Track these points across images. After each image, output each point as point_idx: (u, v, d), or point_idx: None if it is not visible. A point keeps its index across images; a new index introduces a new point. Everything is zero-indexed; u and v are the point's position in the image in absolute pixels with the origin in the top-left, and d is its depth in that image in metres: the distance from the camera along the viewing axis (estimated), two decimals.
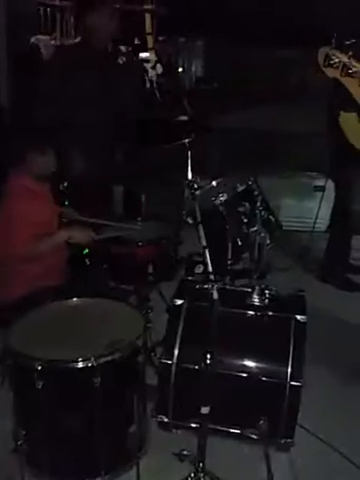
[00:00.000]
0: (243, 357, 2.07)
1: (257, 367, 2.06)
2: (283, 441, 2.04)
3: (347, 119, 3.32)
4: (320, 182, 4.60)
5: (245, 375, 2.04)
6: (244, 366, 2.06)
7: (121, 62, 2.85)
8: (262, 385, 2.04)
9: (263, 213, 2.60)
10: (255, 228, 2.51)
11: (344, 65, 1.14)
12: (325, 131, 3.53)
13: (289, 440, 2.04)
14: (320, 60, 1.16)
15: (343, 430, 2.36)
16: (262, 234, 2.50)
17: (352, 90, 1.14)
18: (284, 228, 2.91)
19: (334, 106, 3.35)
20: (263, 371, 2.05)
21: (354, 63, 1.12)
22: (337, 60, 1.14)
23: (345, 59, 1.14)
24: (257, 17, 10.50)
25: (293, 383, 2.01)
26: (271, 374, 2.04)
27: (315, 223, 4.04)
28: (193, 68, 9.48)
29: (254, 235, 2.49)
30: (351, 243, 3.75)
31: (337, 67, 1.14)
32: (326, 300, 3.41)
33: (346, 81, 1.14)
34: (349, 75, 1.13)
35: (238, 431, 2.06)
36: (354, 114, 3.33)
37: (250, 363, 2.07)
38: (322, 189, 4.53)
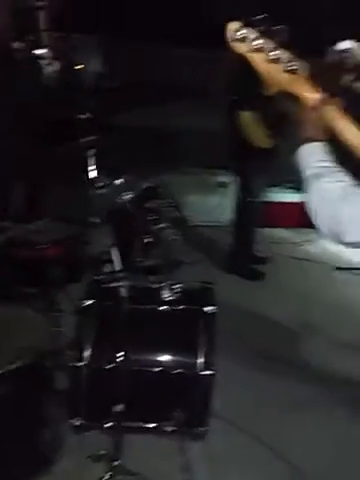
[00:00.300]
0: (155, 352, 2.09)
1: (169, 361, 2.09)
2: (198, 430, 2.09)
3: (245, 118, 3.48)
4: (223, 178, 4.77)
5: (157, 370, 2.06)
6: (156, 361, 2.08)
7: (18, 59, 2.75)
8: (175, 378, 2.07)
9: (169, 209, 2.63)
10: (162, 225, 2.54)
11: (255, 39, 1.15)
12: (226, 129, 3.67)
13: (204, 429, 2.09)
14: (229, 35, 1.17)
15: (256, 416, 2.46)
16: (169, 230, 2.53)
17: (259, 67, 1.16)
18: (190, 224, 2.99)
19: (232, 105, 3.49)
20: (175, 364, 2.08)
21: (264, 38, 1.14)
22: (245, 35, 1.14)
23: (256, 34, 1.15)
24: (155, 15, 10.60)
25: (205, 373, 2.06)
26: (183, 366, 2.07)
27: (220, 218, 4.18)
28: (93, 65, 9.32)
29: (161, 232, 2.52)
30: (254, 235, 3.92)
31: (245, 41, 1.14)
32: (233, 291, 3.54)
33: (254, 58, 1.14)
34: (258, 51, 1.14)
35: (154, 425, 2.08)
36: (250, 113, 3.49)
37: (162, 357, 2.09)
38: (225, 185, 4.71)
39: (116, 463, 1.79)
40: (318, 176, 1.25)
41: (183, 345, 2.13)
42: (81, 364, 1.99)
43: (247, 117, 3.48)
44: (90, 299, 2.12)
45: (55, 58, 2.81)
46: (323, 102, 1.31)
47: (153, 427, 2.08)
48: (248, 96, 3.43)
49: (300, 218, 4.91)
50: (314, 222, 1.24)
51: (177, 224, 2.72)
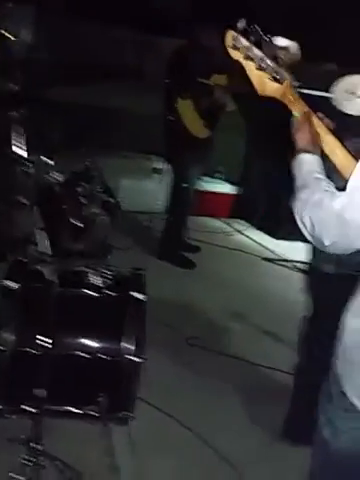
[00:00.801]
0: (81, 337, 2.05)
1: (96, 346, 2.07)
2: (122, 415, 2.09)
3: (184, 106, 3.48)
4: (158, 164, 4.76)
5: (83, 354, 2.03)
6: (82, 345, 2.04)
7: None
8: (101, 363, 2.04)
9: (102, 194, 2.59)
10: (93, 209, 2.49)
11: (247, 48, 1.26)
12: (163, 115, 3.65)
13: (128, 413, 2.09)
14: (227, 42, 1.27)
15: (181, 400, 2.50)
16: (100, 215, 2.49)
17: (250, 73, 1.26)
18: (123, 209, 2.94)
19: (171, 92, 3.48)
20: (102, 349, 2.06)
21: (254, 48, 1.26)
22: (242, 44, 1.25)
23: (247, 43, 1.26)
24: None
25: (132, 359, 2.05)
26: (110, 351, 2.05)
27: (155, 205, 4.18)
28: (24, 36, 8.87)
29: (93, 216, 2.47)
30: (186, 223, 3.95)
31: (240, 50, 1.26)
32: (164, 278, 3.56)
33: (246, 65, 1.25)
34: (249, 59, 1.26)
35: (78, 411, 2.05)
36: (189, 101, 3.50)
37: (88, 342, 2.06)
38: (159, 171, 4.70)
39: (36, 447, 1.75)
40: (307, 184, 1.28)
41: (111, 331, 2.11)
42: (4, 348, 1.92)
43: (185, 105, 3.49)
44: (13, 280, 2.05)
45: None
46: (308, 114, 1.37)
47: (77, 412, 2.05)
48: (187, 85, 3.44)
49: (231, 208, 5.03)
50: (300, 228, 1.27)
51: (109, 209, 2.69)
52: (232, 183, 5.14)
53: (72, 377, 2.00)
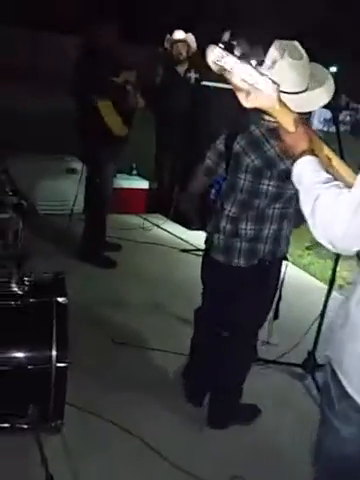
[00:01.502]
0: (6, 349, 2.01)
1: (21, 357, 2.03)
2: (53, 424, 2.07)
3: (105, 107, 3.46)
4: (72, 165, 4.68)
5: (9, 368, 1.99)
6: (8, 358, 2.00)
7: None
8: (29, 373, 2.02)
9: (14, 198, 2.51)
10: (6, 214, 2.41)
11: (234, 62, 1.22)
12: (79, 115, 3.59)
13: (59, 421, 2.08)
14: (212, 57, 1.22)
15: (109, 399, 2.49)
16: (14, 220, 2.42)
17: (234, 85, 1.24)
18: (40, 212, 2.87)
19: (87, 94, 3.42)
20: (28, 359, 2.03)
21: (241, 62, 1.22)
22: (224, 62, 1.22)
23: (234, 58, 1.23)
24: None
25: (58, 365, 2.04)
26: (36, 361, 2.03)
27: (73, 206, 4.10)
28: None
29: (6, 221, 2.40)
30: (105, 222, 3.93)
31: (226, 64, 1.22)
32: (87, 279, 3.53)
33: (227, 76, 1.23)
34: (228, 71, 1.23)
35: (8, 424, 2.01)
36: (110, 102, 3.48)
37: (14, 354, 2.03)
38: (74, 171, 4.63)
39: None
40: (315, 185, 1.29)
41: (36, 339, 2.08)
42: None
43: (106, 106, 3.48)
44: None
45: None
46: (297, 121, 1.38)
47: (7, 426, 2.01)
48: (104, 85, 3.42)
49: (146, 203, 5.08)
50: (311, 227, 1.28)
51: (24, 213, 2.61)
52: (146, 178, 5.18)
53: (1, 391, 1.96)
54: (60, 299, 2.17)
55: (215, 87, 4.20)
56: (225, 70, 1.28)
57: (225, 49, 1.27)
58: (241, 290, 2.26)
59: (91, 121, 3.49)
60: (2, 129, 4.84)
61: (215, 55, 1.27)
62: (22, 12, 9.52)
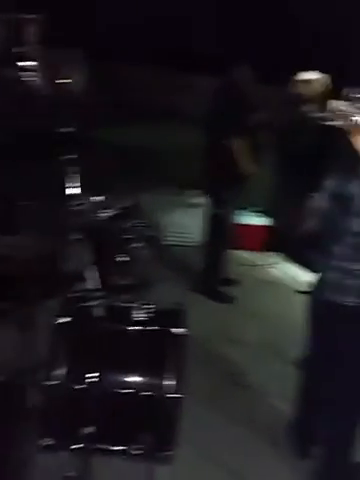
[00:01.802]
0: (124, 374, 2.08)
1: (137, 382, 2.08)
2: (165, 454, 2.08)
3: (239, 144, 3.56)
4: (196, 199, 4.83)
5: (126, 392, 2.05)
6: (125, 383, 2.06)
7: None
8: (143, 400, 2.05)
9: (145, 229, 2.65)
10: (138, 244, 2.55)
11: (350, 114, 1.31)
12: (207, 153, 3.72)
13: (171, 452, 2.09)
14: (330, 109, 1.34)
15: (223, 440, 2.47)
16: (144, 250, 2.54)
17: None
18: (165, 243, 3.00)
19: (225, 132, 3.55)
20: (143, 386, 2.07)
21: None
22: (344, 111, 1.31)
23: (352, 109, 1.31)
24: (122, 36, 10.70)
25: (173, 396, 2.06)
26: (151, 388, 2.06)
27: (195, 239, 4.21)
28: (76, 80, 9.29)
29: (137, 251, 2.53)
30: (224, 257, 3.97)
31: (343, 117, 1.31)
32: (203, 313, 3.57)
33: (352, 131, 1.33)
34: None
35: (121, 448, 2.06)
36: (244, 140, 3.59)
37: (131, 379, 2.08)
38: (197, 206, 4.77)
39: None
40: None
41: (152, 367, 2.13)
42: (52, 383, 1.96)
43: (241, 144, 3.57)
44: (64, 317, 2.10)
45: (40, 71, 2.79)
46: None
47: (120, 450, 2.06)
48: (239, 125, 3.53)
49: (264, 241, 5.04)
50: None
51: (151, 243, 2.74)
52: (266, 215, 5.15)
53: (116, 414, 2.02)
54: (179, 330, 2.21)
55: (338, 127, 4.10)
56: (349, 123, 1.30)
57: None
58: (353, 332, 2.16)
59: (222, 158, 3.58)
60: (136, 166, 5.15)
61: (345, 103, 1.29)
62: (159, 53, 10.19)
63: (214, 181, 3.76)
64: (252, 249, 4.96)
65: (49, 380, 1.97)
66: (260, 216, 5.14)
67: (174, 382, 2.06)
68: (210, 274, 3.94)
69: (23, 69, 3.06)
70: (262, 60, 3.90)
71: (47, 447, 2.01)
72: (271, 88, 4.56)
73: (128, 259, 2.58)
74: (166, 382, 2.06)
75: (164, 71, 10.67)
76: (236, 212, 4.26)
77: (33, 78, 2.75)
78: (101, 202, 2.55)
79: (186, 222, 4.74)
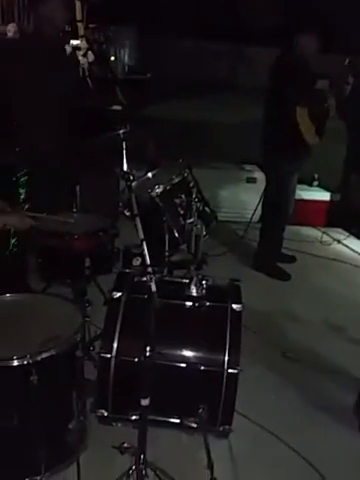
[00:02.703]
0: (181, 348, 2.09)
1: (195, 357, 2.09)
2: (222, 428, 2.08)
3: (302, 114, 3.45)
4: (251, 174, 4.73)
5: (184, 365, 2.06)
6: (183, 356, 2.08)
7: (68, 50, 2.82)
8: (200, 374, 2.06)
9: (198, 205, 2.62)
10: (191, 219, 2.52)
11: None
12: (267, 126, 3.62)
13: (227, 427, 2.09)
14: None
15: (279, 415, 2.45)
16: (198, 225, 2.52)
17: None
18: (219, 219, 2.95)
19: (289, 100, 3.44)
20: (201, 360, 2.08)
21: None
22: None
23: None
24: (187, 9, 10.57)
25: (230, 371, 2.05)
26: (209, 363, 2.07)
27: (254, 214, 4.12)
28: (125, 57, 9.35)
29: (190, 226, 2.51)
30: (282, 233, 3.88)
31: None
32: (259, 289, 3.51)
33: None
34: None
35: (178, 421, 2.08)
36: (306, 109, 3.46)
37: (188, 353, 2.09)
38: (254, 181, 4.67)
39: (141, 457, 1.79)
40: None
41: (210, 342, 2.12)
42: (110, 355, 2.00)
43: (303, 113, 3.45)
44: (119, 291, 2.13)
45: (89, 49, 2.81)
46: None
47: (177, 422, 2.08)
48: (305, 93, 3.41)
49: (327, 217, 4.86)
50: None
51: (206, 219, 2.71)
52: (328, 190, 4.97)
53: (173, 387, 2.04)
54: (235, 306, 2.18)
55: None
56: None
57: None
58: None
59: (283, 129, 3.47)
60: (194, 139, 5.10)
61: None
62: (221, 28, 9.98)
63: (272, 154, 3.64)
64: (313, 225, 4.82)
65: (105, 353, 2.01)
66: (323, 190, 4.97)
67: (233, 357, 2.05)
68: (268, 250, 3.86)
69: (75, 48, 3.08)
70: (324, 29, 3.72)
71: (103, 418, 2.06)
72: (334, 58, 4.34)
73: (182, 234, 2.57)
74: (223, 357, 2.05)
75: (221, 44, 10.48)
76: (298, 186, 4.13)
77: (84, 56, 2.76)
78: (154, 177, 2.54)
79: (244, 197, 4.65)
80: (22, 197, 2.72)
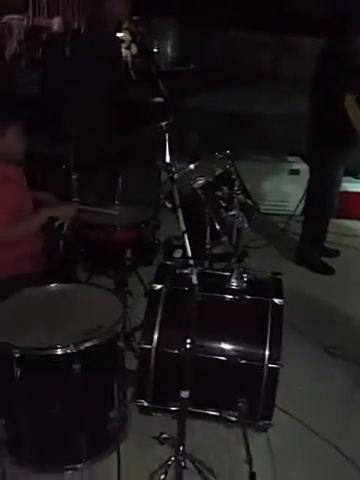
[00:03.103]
0: (222, 341, 2.08)
1: (235, 350, 2.08)
2: (261, 423, 2.07)
3: (350, 101, 3.36)
4: (295, 166, 4.64)
5: (224, 358, 2.05)
6: (223, 349, 2.07)
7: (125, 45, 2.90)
8: (241, 368, 2.05)
9: (241, 197, 2.59)
10: (233, 212, 2.50)
11: None
12: (312, 113, 3.55)
13: (267, 422, 2.07)
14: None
15: (320, 411, 2.41)
16: (240, 218, 2.49)
17: None
18: (261, 212, 2.91)
19: (337, 89, 3.36)
20: (241, 354, 2.06)
21: None
22: None
23: None
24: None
25: (271, 365, 2.03)
26: (249, 357, 2.05)
27: (297, 207, 4.04)
28: (167, 49, 9.35)
29: (232, 219, 2.49)
30: (326, 227, 3.79)
31: None
32: (302, 283, 3.45)
33: None
34: None
35: (217, 413, 2.08)
36: (355, 96, 3.37)
37: (229, 346, 2.08)
38: (297, 172, 4.58)
39: (181, 448, 1.80)
40: None
41: (250, 336, 2.11)
42: (150, 347, 2.02)
43: (351, 101, 3.37)
44: (160, 283, 2.14)
45: (133, 41, 2.83)
46: None
47: (216, 415, 2.08)
48: (353, 80, 3.32)
49: None
50: None
51: (248, 212, 2.68)
52: None
53: (213, 380, 2.04)
54: (277, 300, 2.15)
55: None
56: None
57: None
58: None
59: (331, 117, 3.39)
60: (237, 131, 5.04)
61: None
62: (265, 18, 9.80)
63: (318, 145, 3.56)
64: (358, 218, 4.69)
65: (146, 344, 2.02)
66: None
67: (274, 352, 2.03)
68: (311, 244, 3.79)
69: (120, 40, 3.11)
70: None
71: (143, 408, 2.09)
72: None
73: (224, 227, 2.56)
74: (264, 352, 2.03)
75: (265, 34, 10.30)
76: (343, 178, 4.02)
77: (127, 49, 2.79)
78: (196, 169, 2.53)
79: (286, 189, 4.58)
80: (75, 188, 2.78)
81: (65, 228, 2.43)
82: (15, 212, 2.29)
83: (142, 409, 2.11)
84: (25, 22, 8.22)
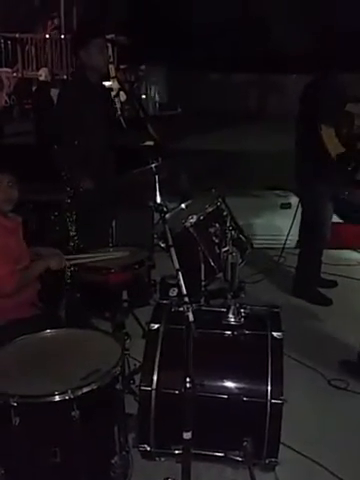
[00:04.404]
0: (223, 378, 2.06)
1: (237, 387, 2.05)
2: (268, 461, 2.02)
3: (328, 133, 3.45)
4: (286, 199, 4.71)
5: (226, 397, 2.02)
6: (224, 387, 2.04)
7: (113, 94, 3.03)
8: (243, 405, 2.02)
9: (233, 232, 2.61)
10: (226, 248, 2.52)
11: None
12: (297, 147, 3.64)
13: (273, 459, 2.02)
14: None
15: (326, 445, 2.36)
16: (234, 253, 2.50)
17: None
18: (254, 246, 2.93)
19: (313, 121, 3.46)
20: (243, 391, 2.03)
21: None
22: None
23: None
24: (213, 43, 10.83)
25: (274, 401, 2.00)
26: (251, 394, 2.02)
27: (286, 240, 4.09)
28: (155, 94, 9.66)
29: (226, 255, 2.50)
30: (321, 258, 3.81)
31: None
32: (300, 315, 3.44)
33: None
34: None
35: (222, 454, 2.03)
36: (332, 129, 3.47)
37: (230, 384, 2.05)
38: (288, 206, 4.64)
39: None
40: None
41: (251, 371, 2.08)
42: (150, 388, 1.99)
43: (329, 133, 3.46)
44: (157, 323, 2.13)
45: (121, 89, 2.93)
46: None
47: (221, 456, 2.03)
48: (331, 113, 3.42)
49: None
50: None
51: (241, 247, 2.70)
52: None
53: (215, 419, 2.00)
54: (275, 333, 2.14)
55: None
56: None
57: None
58: None
59: (312, 151, 3.47)
60: (226, 169, 5.14)
61: None
62: (251, 60, 10.15)
63: (307, 177, 3.62)
64: (353, 247, 4.72)
65: (146, 386, 2.00)
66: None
67: (276, 387, 2.00)
68: (305, 275, 3.80)
69: (108, 89, 3.23)
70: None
71: (146, 453, 2.04)
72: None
73: (217, 263, 2.57)
74: (265, 387, 2.01)
75: (250, 74, 10.63)
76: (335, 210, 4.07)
77: (116, 96, 2.89)
78: (187, 208, 2.56)
79: (279, 223, 4.62)
80: (72, 234, 2.84)
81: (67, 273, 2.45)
82: (18, 260, 2.31)
83: (145, 454, 2.06)
84: (15, 74, 8.47)
